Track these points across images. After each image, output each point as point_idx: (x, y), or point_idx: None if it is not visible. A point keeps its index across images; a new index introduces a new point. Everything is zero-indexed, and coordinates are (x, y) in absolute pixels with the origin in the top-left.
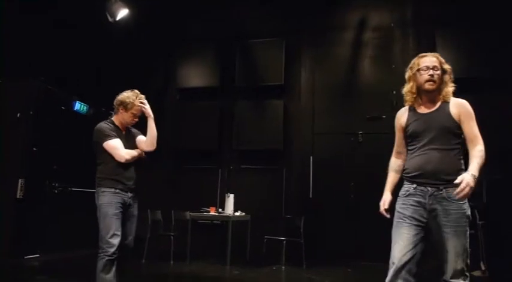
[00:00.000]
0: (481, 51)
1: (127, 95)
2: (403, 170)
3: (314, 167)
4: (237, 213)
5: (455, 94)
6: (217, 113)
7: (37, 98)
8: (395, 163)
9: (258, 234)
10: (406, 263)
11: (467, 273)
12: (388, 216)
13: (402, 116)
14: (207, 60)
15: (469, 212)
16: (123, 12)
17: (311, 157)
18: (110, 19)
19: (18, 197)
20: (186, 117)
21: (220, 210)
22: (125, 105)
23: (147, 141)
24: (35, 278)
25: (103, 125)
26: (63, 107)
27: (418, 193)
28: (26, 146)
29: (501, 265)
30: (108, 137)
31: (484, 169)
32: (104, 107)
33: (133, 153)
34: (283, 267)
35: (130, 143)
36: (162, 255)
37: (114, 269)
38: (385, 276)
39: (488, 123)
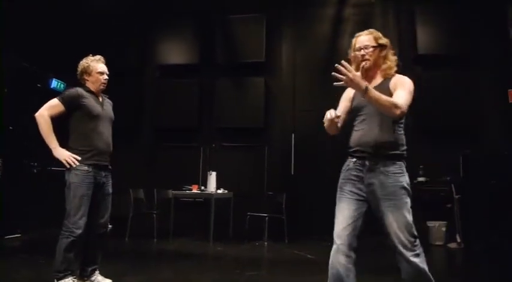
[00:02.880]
0: (460, 29)
1: (81, 62)
2: (347, 146)
3: (295, 144)
4: (220, 191)
5: (434, 70)
6: (198, 90)
7: (12, 76)
8: None
9: (241, 211)
10: (346, 237)
11: (415, 244)
12: (336, 115)
13: (351, 91)
14: (187, 36)
15: (406, 185)
16: None
17: (293, 134)
18: None
19: None
20: (166, 94)
21: (202, 188)
22: (85, 71)
23: None
24: (17, 257)
25: (75, 89)
26: (39, 85)
27: (356, 167)
28: (2, 124)
29: (476, 237)
30: (59, 97)
31: (458, 143)
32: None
33: (43, 128)
34: (265, 243)
35: (108, 113)
36: (145, 233)
37: (76, 248)
38: (364, 250)
39: (464, 99)
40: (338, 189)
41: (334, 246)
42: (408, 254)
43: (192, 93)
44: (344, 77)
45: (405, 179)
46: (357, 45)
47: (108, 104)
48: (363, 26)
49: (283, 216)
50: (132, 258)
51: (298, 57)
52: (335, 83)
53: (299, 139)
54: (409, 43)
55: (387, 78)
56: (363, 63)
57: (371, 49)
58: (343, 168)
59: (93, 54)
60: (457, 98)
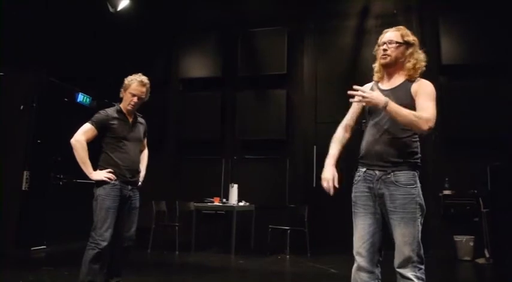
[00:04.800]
0: (485, 38)
1: (128, 77)
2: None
3: (317, 156)
4: (241, 203)
5: (459, 80)
6: (220, 103)
7: (40, 90)
8: (341, 134)
9: (262, 223)
10: (366, 254)
11: (419, 265)
12: (331, 191)
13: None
14: (209, 50)
15: (419, 198)
16: (124, 3)
17: (314, 146)
18: (111, 9)
19: (23, 189)
20: (189, 107)
21: (224, 200)
22: (125, 87)
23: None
24: (42, 269)
25: (104, 111)
26: (66, 99)
27: (367, 178)
28: (30, 138)
29: (505, 252)
30: (91, 121)
31: (485, 155)
32: (107, 98)
33: (82, 153)
34: (287, 256)
35: (136, 134)
36: (167, 245)
37: (101, 260)
38: (388, 263)
39: (490, 110)
40: (352, 204)
41: (355, 264)
42: (410, 273)
43: (215, 106)
44: (361, 98)
45: (418, 191)
46: (382, 40)
47: (139, 125)
48: None
49: (305, 229)
50: (155, 270)
51: (320, 69)
52: (351, 99)
53: (321, 151)
54: (433, 53)
55: (410, 81)
56: (382, 59)
57: (394, 45)
58: (355, 180)
59: (145, 74)
60: (483, 108)
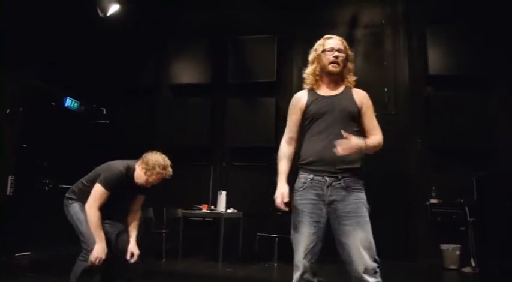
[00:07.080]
0: (472, 49)
1: (157, 162)
2: (298, 157)
3: None
4: (229, 211)
5: (446, 90)
6: (209, 109)
7: (27, 94)
8: (287, 150)
9: (250, 231)
10: (309, 265)
11: (377, 269)
12: (287, 209)
13: (301, 98)
14: (199, 57)
15: (367, 203)
16: (114, 8)
17: None
18: (101, 14)
19: (8, 193)
20: (178, 114)
21: (212, 207)
22: (147, 168)
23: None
24: (26, 275)
25: (119, 171)
26: (53, 103)
27: (315, 185)
28: (16, 142)
29: (491, 261)
30: (105, 185)
31: (472, 165)
32: (95, 103)
33: (93, 221)
34: (275, 264)
35: (130, 192)
36: (154, 252)
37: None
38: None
39: (477, 120)
40: (295, 211)
41: (297, 275)
42: (372, 280)
43: (204, 113)
44: (346, 147)
45: (365, 196)
46: (330, 46)
47: (141, 187)
48: (373, 47)
49: None
50: (141, 278)
51: None
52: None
53: None
54: (420, 64)
55: (348, 88)
56: (332, 66)
57: (343, 54)
58: (297, 186)
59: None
60: (469, 118)
